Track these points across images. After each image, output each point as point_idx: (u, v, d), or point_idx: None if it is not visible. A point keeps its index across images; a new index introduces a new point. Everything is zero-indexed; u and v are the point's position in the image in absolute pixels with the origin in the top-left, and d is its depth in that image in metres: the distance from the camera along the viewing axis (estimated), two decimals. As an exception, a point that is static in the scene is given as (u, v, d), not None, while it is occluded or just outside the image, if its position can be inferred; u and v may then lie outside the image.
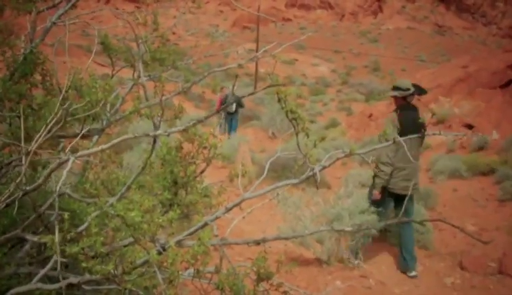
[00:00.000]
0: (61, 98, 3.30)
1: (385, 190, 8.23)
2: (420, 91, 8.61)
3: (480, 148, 20.90)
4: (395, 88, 8.43)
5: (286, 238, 5.30)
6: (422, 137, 8.27)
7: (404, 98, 8.33)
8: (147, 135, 3.39)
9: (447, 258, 9.56)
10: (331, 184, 15.26)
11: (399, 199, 8.22)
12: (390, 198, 8.20)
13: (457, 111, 26.14)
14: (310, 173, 3.41)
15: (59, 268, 2.80)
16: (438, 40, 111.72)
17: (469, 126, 23.67)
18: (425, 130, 7.92)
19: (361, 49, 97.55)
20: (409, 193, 7.64)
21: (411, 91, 8.31)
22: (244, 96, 5.54)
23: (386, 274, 8.22)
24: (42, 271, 2.99)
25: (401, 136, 7.81)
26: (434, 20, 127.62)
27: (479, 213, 13.35)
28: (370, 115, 31.12)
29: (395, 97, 8.45)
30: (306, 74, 76.67)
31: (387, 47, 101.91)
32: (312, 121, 36.55)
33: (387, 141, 6.39)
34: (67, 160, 2.93)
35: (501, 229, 11.52)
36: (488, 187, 15.77)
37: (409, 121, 8.04)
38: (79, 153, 3.02)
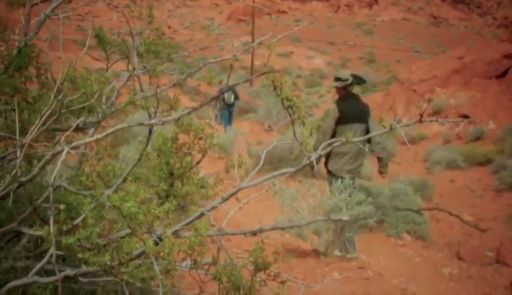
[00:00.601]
0: (55, 90, 3.29)
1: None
2: (359, 80, 8.93)
3: (477, 138, 21.00)
4: (336, 79, 8.83)
5: (283, 228, 5.30)
6: (368, 123, 8.56)
7: (344, 87, 8.68)
8: (142, 124, 3.38)
9: (445, 248, 9.60)
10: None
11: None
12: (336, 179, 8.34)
13: (453, 102, 26.20)
14: (307, 161, 3.40)
15: (54, 259, 2.79)
16: (433, 31, 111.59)
17: (466, 117, 23.72)
18: (369, 116, 8.51)
19: (356, 41, 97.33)
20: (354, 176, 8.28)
21: (349, 81, 8.65)
22: (237, 84, 5.48)
23: (384, 265, 8.24)
24: (39, 265, 2.98)
25: (341, 123, 8.23)
26: (429, 11, 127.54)
27: (476, 203, 13.40)
28: (366, 107, 31.09)
29: (337, 88, 8.81)
30: (301, 66, 76.57)
31: (382, 39, 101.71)
32: (306, 112, 36.43)
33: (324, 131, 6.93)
34: (62, 151, 2.92)
35: (499, 219, 11.56)
36: (485, 177, 15.83)
37: (350, 109, 8.45)
38: (73, 144, 3.01)
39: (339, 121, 8.31)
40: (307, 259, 7.37)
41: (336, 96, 8.88)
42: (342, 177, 8.30)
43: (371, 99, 33.82)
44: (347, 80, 8.66)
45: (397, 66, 73.39)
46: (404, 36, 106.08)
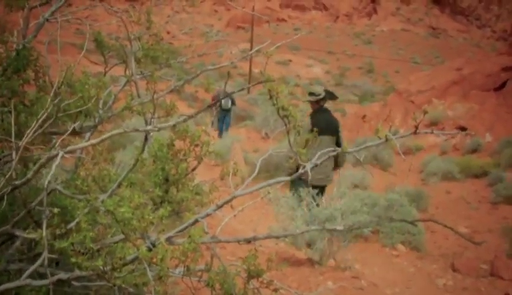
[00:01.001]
0: (52, 94, 3.29)
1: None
2: (331, 96, 9.58)
3: (474, 150, 21.00)
4: (310, 94, 9.42)
5: (277, 237, 5.30)
6: (337, 135, 9.17)
7: (317, 102, 9.29)
8: (137, 130, 3.38)
9: (440, 260, 9.58)
10: (324, 184, 15.23)
11: (316, 188, 8.65)
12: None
13: (450, 114, 26.20)
14: (302, 171, 3.41)
15: (46, 263, 2.78)
16: (432, 42, 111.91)
17: (463, 129, 23.73)
18: (338, 129, 9.17)
19: (355, 50, 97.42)
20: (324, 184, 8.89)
21: (322, 96, 9.26)
22: (233, 92, 5.59)
23: (378, 275, 8.22)
24: (31, 268, 2.98)
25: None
26: (428, 22, 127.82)
27: (472, 215, 13.38)
28: (363, 117, 31.17)
29: (311, 102, 9.37)
30: (299, 75, 76.51)
31: (381, 49, 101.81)
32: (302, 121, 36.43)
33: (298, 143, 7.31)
34: (57, 155, 2.92)
35: (494, 231, 11.54)
36: (481, 190, 15.81)
37: (321, 122, 8.89)
38: (68, 148, 3.01)
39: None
40: (301, 268, 7.36)
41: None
42: (310, 186, 8.43)
43: (368, 109, 33.84)
44: (319, 94, 9.24)
45: (395, 77, 73.53)
46: (404, 47, 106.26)
